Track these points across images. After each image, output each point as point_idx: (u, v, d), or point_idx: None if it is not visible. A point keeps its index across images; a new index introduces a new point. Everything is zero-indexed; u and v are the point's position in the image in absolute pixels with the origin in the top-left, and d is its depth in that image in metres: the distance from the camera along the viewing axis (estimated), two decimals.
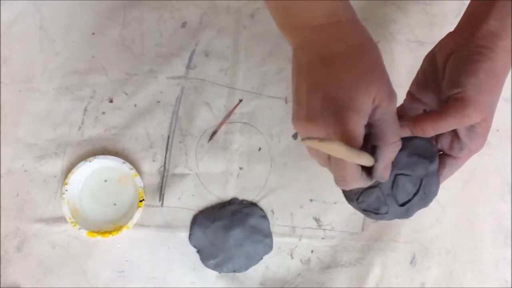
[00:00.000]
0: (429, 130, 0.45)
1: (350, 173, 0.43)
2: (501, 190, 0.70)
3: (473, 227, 0.69)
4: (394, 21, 0.73)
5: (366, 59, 0.41)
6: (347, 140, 0.39)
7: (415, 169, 0.48)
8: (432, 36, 0.72)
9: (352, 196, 0.50)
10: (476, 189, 0.70)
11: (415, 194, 0.49)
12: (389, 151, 0.43)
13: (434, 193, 0.50)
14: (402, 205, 0.49)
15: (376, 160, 0.43)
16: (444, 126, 0.45)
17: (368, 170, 0.45)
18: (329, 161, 0.44)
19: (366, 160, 0.41)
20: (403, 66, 0.71)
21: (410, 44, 0.72)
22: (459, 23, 0.50)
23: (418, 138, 0.48)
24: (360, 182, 0.44)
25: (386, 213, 0.49)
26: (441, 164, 0.51)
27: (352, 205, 0.51)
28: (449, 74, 0.46)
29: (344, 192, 0.52)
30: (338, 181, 0.44)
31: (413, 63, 0.71)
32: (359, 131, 0.41)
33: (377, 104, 0.41)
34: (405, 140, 0.47)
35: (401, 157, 0.47)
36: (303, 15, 0.42)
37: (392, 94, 0.42)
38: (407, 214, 0.50)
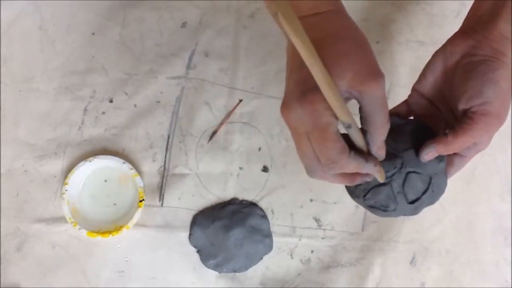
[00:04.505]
0: (458, 148, 0.47)
1: (334, 149, 0.42)
2: (501, 190, 0.70)
3: (473, 227, 0.69)
4: (394, 21, 0.72)
5: (341, 45, 0.42)
6: (314, 119, 0.41)
7: (426, 167, 0.49)
8: (432, 36, 0.72)
9: (359, 193, 0.50)
10: (476, 189, 0.70)
11: (424, 192, 0.49)
12: (378, 135, 0.44)
13: (442, 191, 0.51)
14: (411, 202, 0.49)
15: (368, 144, 0.44)
16: (472, 140, 0.46)
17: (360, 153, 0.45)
18: (313, 152, 0.44)
19: (342, 110, 0.40)
20: (403, 66, 0.71)
21: (410, 44, 0.72)
22: (466, 23, 0.50)
23: (427, 137, 0.49)
24: (351, 164, 0.44)
25: (394, 210, 0.50)
26: (449, 163, 0.51)
27: (357, 201, 0.51)
28: (468, 80, 0.46)
29: (349, 187, 0.51)
30: (327, 165, 0.43)
31: (413, 63, 0.71)
32: None
33: (357, 88, 0.41)
34: (415, 139, 0.48)
35: (413, 155, 0.48)
36: None
37: (375, 79, 0.41)
38: (414, 212, 0.50)
